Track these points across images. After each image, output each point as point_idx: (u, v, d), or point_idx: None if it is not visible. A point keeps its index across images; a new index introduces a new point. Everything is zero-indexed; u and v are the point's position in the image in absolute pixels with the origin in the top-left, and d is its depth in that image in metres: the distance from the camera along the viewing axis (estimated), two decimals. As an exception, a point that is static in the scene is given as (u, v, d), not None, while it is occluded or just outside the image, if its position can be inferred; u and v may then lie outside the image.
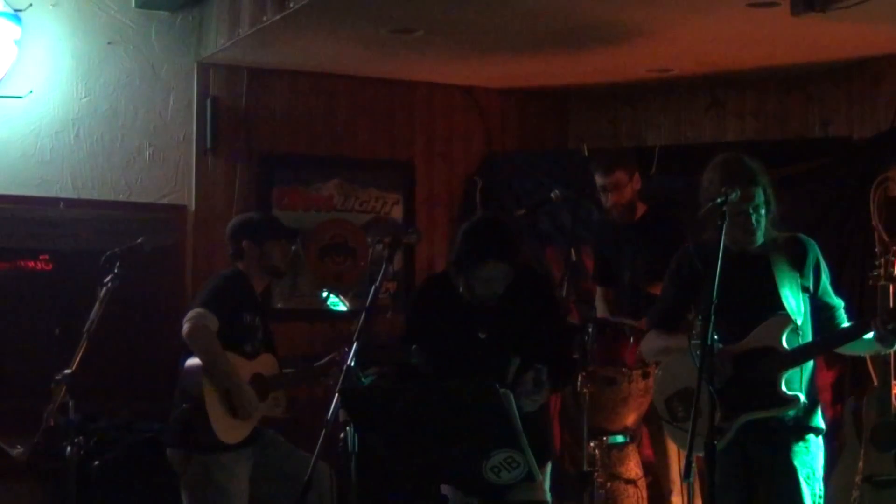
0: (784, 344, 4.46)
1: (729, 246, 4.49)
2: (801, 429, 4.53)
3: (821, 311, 4.61)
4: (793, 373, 4.47)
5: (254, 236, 5.63)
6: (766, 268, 4.54)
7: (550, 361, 4.42)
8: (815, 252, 4.62)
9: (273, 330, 5.76)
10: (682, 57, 7.05)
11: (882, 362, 5.55)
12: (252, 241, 5.62)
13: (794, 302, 4.51)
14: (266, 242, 5.61)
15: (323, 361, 5.60)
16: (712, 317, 4.15)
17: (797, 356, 4.47)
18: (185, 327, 5.29)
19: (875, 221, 6.19)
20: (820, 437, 4.58)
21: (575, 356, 5.09)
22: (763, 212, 4.52)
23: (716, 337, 4.10)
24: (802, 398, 4.46)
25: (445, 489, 4.41)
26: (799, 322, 4.49)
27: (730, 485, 4.46)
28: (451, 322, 4.49)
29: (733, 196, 4.28)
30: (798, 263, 4.57)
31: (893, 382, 5.57)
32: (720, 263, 4.16)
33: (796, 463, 4.48)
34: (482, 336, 4.44)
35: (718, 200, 4.26)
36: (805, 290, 4.56)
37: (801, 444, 4.51)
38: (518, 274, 4.51)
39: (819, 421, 4.58)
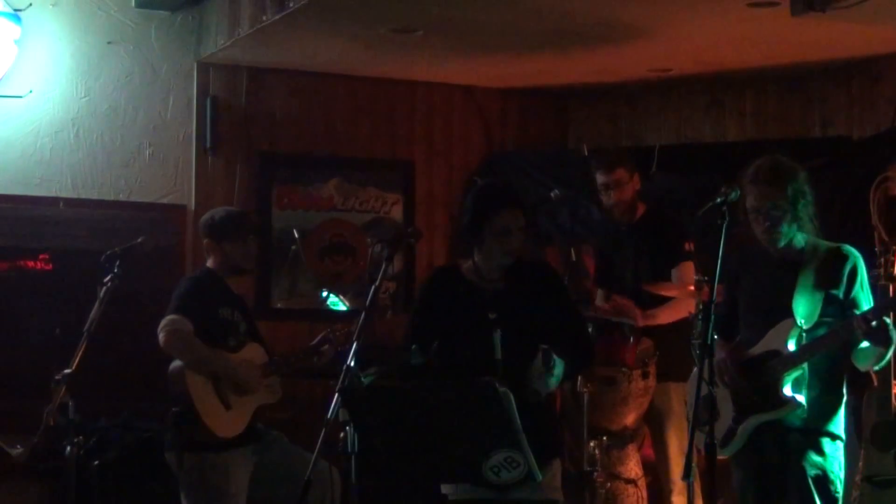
0: (790, 347, 4.48)
1: (767, 249, 4.55)
2: (813, 432, 4.52)
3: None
4: (799, 376, 4.48)
5: (212, 236, 5.58)
6: (792, 274, 4.52)
7: (568, 344, 4.42)
8: (853, 263, 4.52)
9: (258, 326, 5.72)
10: (682, 57, 7.05)
11: (882, 361, 5.56)
12: (211, 241, 5.58)
13: (809, 309, 4.48)
14: (224, 242, 5.55)
15: (315, 341, 5.59)
16: (712, 317, 4.18)
17: (796, 357, 4.48)
18: (161, 337, 5.27)
19: (875, 221, 6.18)
20: (838, 442, 4.55)
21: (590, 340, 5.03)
22: (782, 213, 4.45)
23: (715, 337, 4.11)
24: (801, 400, 4.46)
25: (445, 489, 4.41)
26: (806, 328, 4.47)
27: (748, 486, 4.61)
28: (461, 306, 4.49)
29: (732, 195, 4.30)
30: (831, 272, 4.50)
31: (893, 382, 5.57)
32: (720, 263, 4.19)
33: (805, 465, 4.48)
34: (492, 316, 4.43)
35: (718, 200, 4.28)
36: (833, 300, 4.49)
37: (811, 446, 4.50)
38: (525, 263, 4.52)
39: (837, 427, 4.56)
